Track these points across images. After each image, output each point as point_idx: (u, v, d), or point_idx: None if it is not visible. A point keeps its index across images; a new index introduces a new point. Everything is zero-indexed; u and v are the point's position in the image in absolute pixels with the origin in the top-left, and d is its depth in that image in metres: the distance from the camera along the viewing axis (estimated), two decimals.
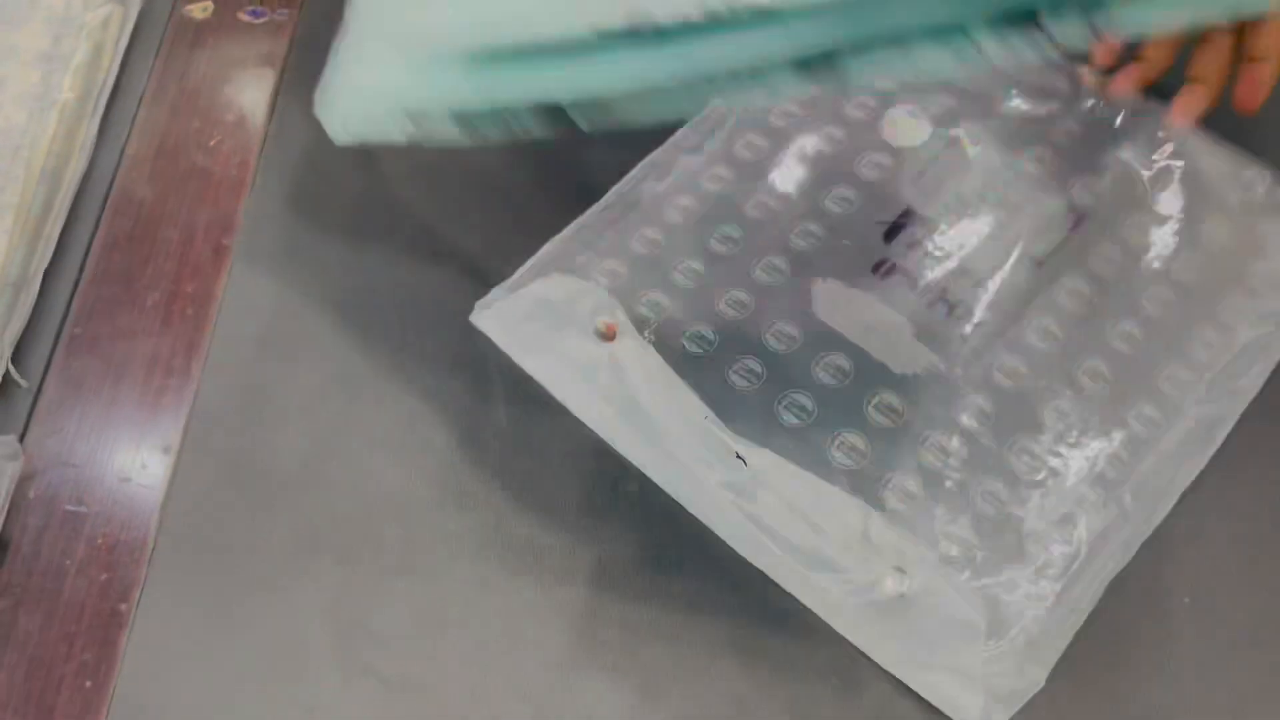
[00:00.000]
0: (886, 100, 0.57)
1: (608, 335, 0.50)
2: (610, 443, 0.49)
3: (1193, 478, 0.48)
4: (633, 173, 0.56)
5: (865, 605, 0.45)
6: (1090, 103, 0.56)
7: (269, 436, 0.49)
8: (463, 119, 0.45)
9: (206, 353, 0.52)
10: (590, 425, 0.49)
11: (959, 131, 0.55)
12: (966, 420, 0.49)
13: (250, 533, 0.47)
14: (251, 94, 0.60)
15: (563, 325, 0.50)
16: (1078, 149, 0.55)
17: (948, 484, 0.47)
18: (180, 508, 0.48)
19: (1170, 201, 0.53)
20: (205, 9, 0.63)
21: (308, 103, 0.59)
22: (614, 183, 0.55)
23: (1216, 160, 0.54)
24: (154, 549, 0.47)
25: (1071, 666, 0.45)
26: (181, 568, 0.47)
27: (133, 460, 0.49)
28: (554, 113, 0.44)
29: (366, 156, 0.57)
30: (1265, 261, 0.52)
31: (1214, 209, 0.53)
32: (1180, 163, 0.54)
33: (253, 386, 0.51)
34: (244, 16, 0.63)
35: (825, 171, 0.55)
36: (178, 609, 0.46)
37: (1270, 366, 0.51)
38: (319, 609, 0.46)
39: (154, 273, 0.54)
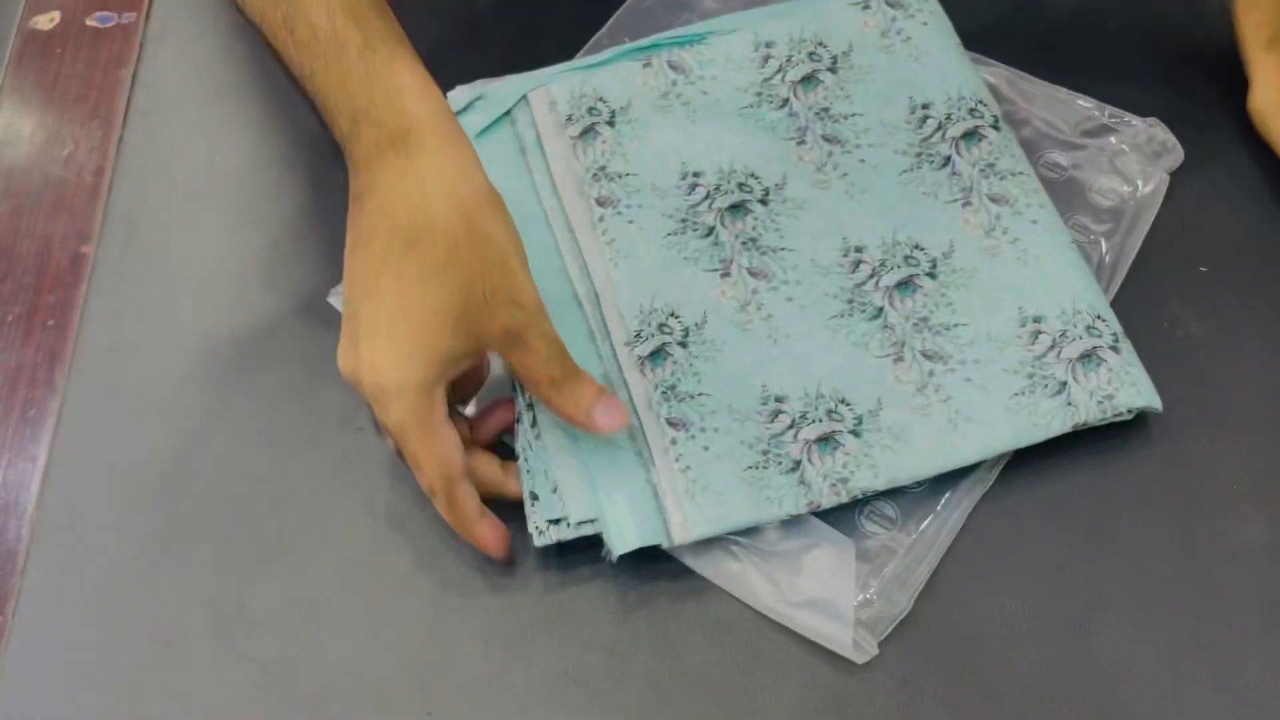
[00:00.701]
0: None
1: None
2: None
3: None
4: None
5: (735, 547, 0.46)
6: None
7: (137, 437, 0.50)
8: None
9: (70, 361, 0.52)
10: None
11: None
12: None
13: (122, 533, 0.48)
14: (105, 99, 0.60)
15: None
16: None
17: None
18: (51, 517, 0.48)
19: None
20: (52, 19, 0.62)
21: (162, 103, 0.59)
22: None
23: (1051, 98, 0.58)
24: (26, 561, 0.47)
25: (935, 590, 0.46)
26: (55, 575, 0.47)
27: (2, 476, 0.50)
28: None
29: (220, 154, 0.58)
30: (1103, 177, 0.56)
31: (1054, 142, 0.57)
32: (1023, 106, 0.57)
33: (117, 390, 0.51)
34: (92, 22, 0.62)
35: None
36: (53, 616, 0.46)
37: (1122, 272, 0.53)
38: (194, 600, 0.46)
39: (12, 288, 0.54)
